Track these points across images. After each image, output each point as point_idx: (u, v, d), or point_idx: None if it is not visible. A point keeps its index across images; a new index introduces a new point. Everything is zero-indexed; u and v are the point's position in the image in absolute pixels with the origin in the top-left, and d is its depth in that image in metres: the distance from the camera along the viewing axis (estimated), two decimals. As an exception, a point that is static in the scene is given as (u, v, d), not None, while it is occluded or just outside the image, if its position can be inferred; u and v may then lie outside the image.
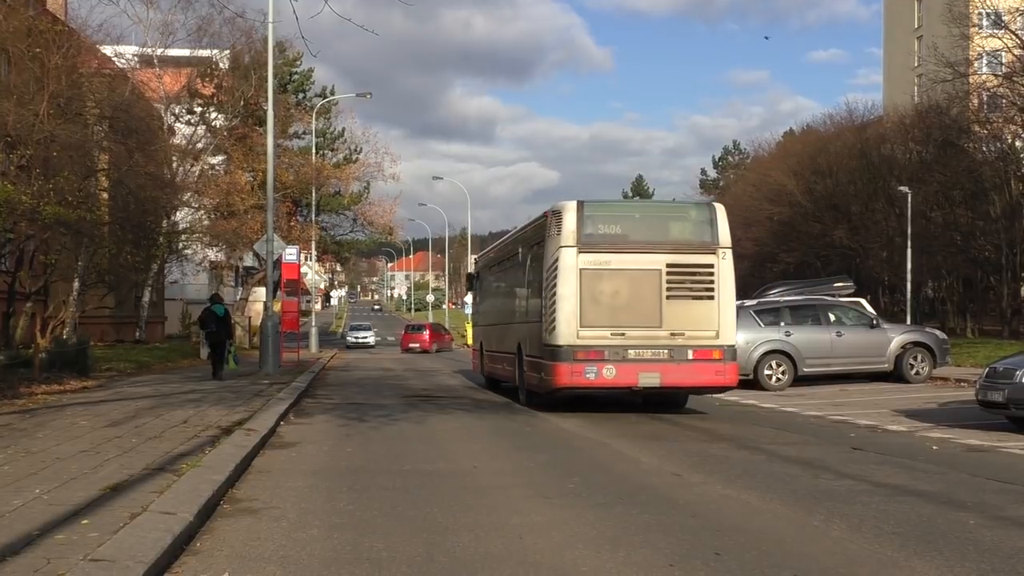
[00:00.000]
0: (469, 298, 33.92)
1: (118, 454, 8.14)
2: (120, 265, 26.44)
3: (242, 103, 38.05)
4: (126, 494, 6.31)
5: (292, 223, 43.39)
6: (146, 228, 28.35)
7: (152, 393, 15.17)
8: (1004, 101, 37.85)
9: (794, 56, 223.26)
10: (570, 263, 13.35)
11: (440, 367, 30.71)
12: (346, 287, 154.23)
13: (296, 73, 50.91)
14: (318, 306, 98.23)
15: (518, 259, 16.49)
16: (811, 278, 33.27)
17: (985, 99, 39.87)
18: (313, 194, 44.00)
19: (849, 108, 55.58)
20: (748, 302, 20.47)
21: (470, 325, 32.77)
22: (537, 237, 14.72)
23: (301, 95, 51.76)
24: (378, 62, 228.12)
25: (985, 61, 39.56)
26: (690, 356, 13.34)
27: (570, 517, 6.47)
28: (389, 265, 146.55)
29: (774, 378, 18.84)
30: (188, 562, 5.19)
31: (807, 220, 49.11)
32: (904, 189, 38.38)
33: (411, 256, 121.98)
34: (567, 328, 13.26)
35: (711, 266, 13.56)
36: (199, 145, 36.85)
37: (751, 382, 18.55)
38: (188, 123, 38.05)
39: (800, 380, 19.00)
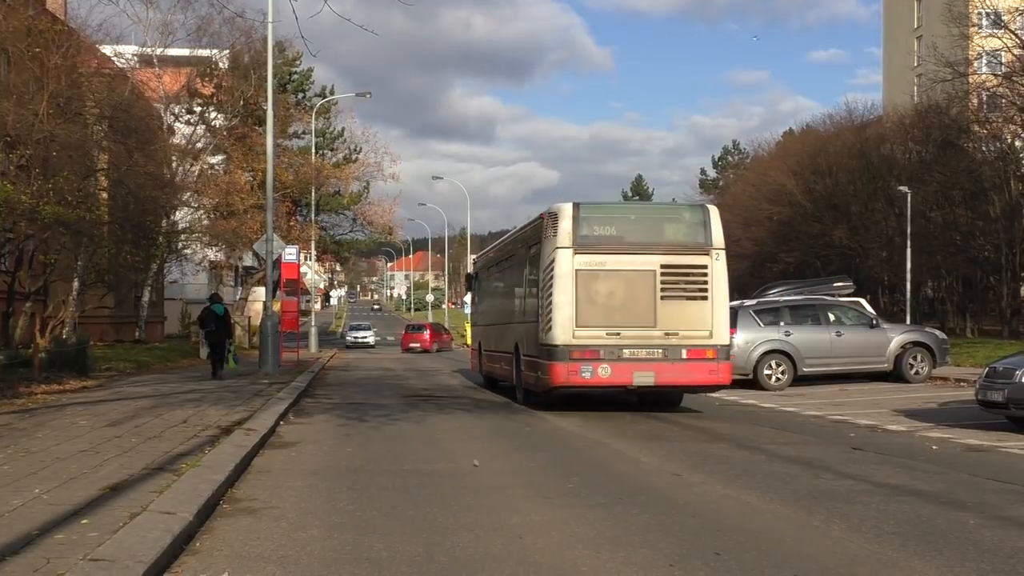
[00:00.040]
0: (468, 298, 33.91)
1: (118, 454, 8.14)
2: (120, 265, 26.44)
3: (242, 103, 38.08)
4: (126, 494, 6.31)
5: (292, 223, 43.42)
6: (146, 228, 28.36)
7: (152, 393, 15.16)
8: (1004, 101, 37.85)
9: (794, 56, 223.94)
10: (566, 264, 13.44)
11: (440, 367, 30.71)
12: (346, 287, 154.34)
13: (296, 73, 50.92)
14: (318, 306, 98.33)
15: (516, 260, 16.54)
16: (811, 278, 33.23)
17: (985, 99, 39.86)
18: (313, 194, 44.03)
19: (849, 108, 55.74)
20: (748, 302, 20.48)
21: (469, 325, 32.77)
22: (534, 238, 14.80)
23: (301, 95, 51.79)
24: (378, 62, 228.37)
25: (985, 61, 39.51)
26: (684, 355, 13.46)
27: (570, 517, 6.46)
28: (389, 265, 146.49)
29: (774, 378, 18.84)
30: (188, 562, 5.19)
31: (807, 220, 49.12)
32: (904, 189, 38.40)
33: (411, 256, 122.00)
34: (563, 328, 13.35)
35: (705, 267, 13.66)
36: (199, 145, 36.85)
37: (751, 382, 18.57)
38: (188, 123, 38.04)
39: (800, 380, 18.99)
